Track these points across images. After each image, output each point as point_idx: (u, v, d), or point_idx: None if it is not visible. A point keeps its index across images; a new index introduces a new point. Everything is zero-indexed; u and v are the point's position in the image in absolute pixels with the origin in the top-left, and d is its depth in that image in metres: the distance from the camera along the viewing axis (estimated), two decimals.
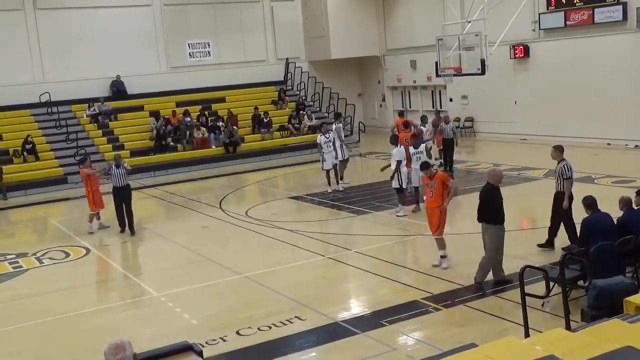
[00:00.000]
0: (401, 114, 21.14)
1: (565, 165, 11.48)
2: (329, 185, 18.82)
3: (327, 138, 18.98)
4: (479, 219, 10.35)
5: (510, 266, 10.55)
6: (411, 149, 15.38)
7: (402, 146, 15.70)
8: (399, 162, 15.24)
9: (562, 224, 11.65)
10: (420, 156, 14.98)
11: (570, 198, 11.39)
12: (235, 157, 26.55)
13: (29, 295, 12.02)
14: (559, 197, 11.54)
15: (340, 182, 19.16)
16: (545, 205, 12.27)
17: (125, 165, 15.90)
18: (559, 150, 11.80)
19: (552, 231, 11.82)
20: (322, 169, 18.96)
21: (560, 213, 11.51)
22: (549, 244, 11.84)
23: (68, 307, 11.01)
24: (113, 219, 16.25)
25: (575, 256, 8.69)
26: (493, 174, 10.55)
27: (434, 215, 11.31)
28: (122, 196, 15.71)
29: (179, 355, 4.94)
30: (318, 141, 19.21)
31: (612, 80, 22.76)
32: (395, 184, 15.43)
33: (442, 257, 11.45)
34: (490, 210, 10.19)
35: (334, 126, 20.22)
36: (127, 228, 15.77)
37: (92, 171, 16.48)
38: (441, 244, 11.47)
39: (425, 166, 11.74)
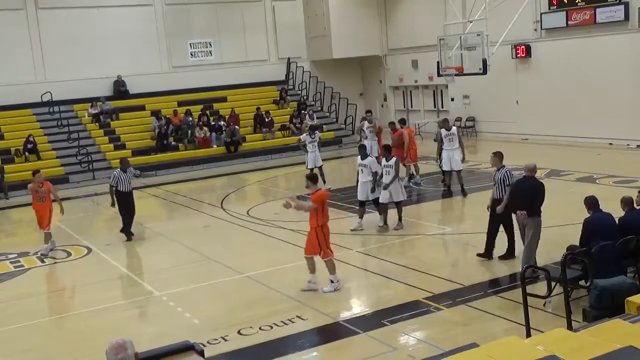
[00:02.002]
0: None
1: (508, 172, 11.33)
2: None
3: (313, 138, 19.11)
4: (521, 209, 10.26)
5: (512, 266, 10.55)
6: (383, 161, 14.15)
7: (374, 156, 14.90)
8: (375, 174, 14.09)
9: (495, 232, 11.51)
10: (389, 170, 13.88)
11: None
12: (236, 156, 26.57)
13: (31, 294, 12.03)
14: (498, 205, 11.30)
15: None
16: (546, 205, 12.21)
17: (133, 171, 15.48)
18: (498, 157, 11.62)
19: (492, 240, 11.55)
20: (307, 168, 19.11)
21: (499, 219, 11.32)
22: (488, 254, 11.57)
23: (69, 306, 11.03)
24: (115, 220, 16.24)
25: (577, 256, 8.68)
26: (530, 167, 10.57)
27: (311, 236, 10.64)
28: (127, 201, 15.28)
29: (181, 355, 4.95)
30: (302, 139, 19.29)
31: (613, 80, 22.74)
32: (370, 196, 14.26)
33: (331, 281, 10.68)
34: (537, 203, 10.26)
35: (365, 124, 20.27)
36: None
37: (36, 188, 14.65)
38: (330, 267, 10.73)
39: (308, 178, 10.89)
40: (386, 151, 14.49)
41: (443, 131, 17.74)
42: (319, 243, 10.58)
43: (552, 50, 24.76)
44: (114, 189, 15.11)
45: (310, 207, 10.59)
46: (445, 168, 17.33)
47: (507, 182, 11.19)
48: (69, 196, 22.20)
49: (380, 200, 14.12)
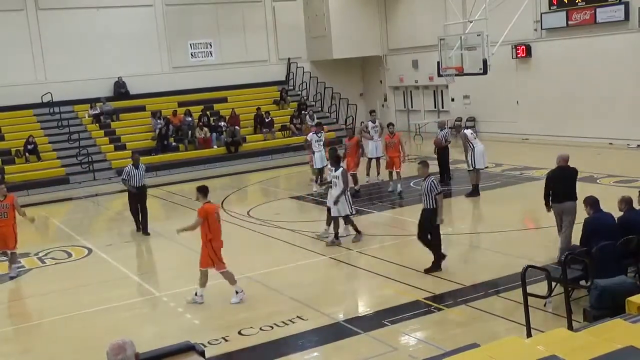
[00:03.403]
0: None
1: (434, 181, 11.20)
2: (316, 182, 18.98)
3: (319, 137, 19.03)
4: (564, 199, 10.76)
5: (513, 266, 10.55)
6: (332, 172, 13.48)
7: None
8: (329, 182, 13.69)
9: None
10: (336, 181, 13.20)
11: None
12: (237, 157, 26.57)
13: (31, 295, 12.04)
14: (430, 214, 11.17)
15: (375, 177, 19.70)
16: None
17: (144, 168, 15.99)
18: (426, 166, 11.55)
19: (440, 252, 11.31)
20: (315, 167, 19.04)
21: (434, 230, 11.21)
22: (437, 266, 11.25)
23: (70, 307, 11.02)
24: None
25: (578, 256, 8.68)
26: (564, 156, 11.08)
27: (203, 249, 10.51)
28: (138, 196, 15.61)
29: (181, 355, 4.95)
30: (309, 138, 19.23)
31: (613, 80, 22.75)
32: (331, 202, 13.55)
33: (236, 292, 10.59)
34: (574, 188, 10.90)
35: (369, 124, 20.26)
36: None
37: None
38: (228, 278, 10.64)
39: (198, 190, 10.70)
40: (333, 161, 13.68)
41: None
42: (209, 256, 10.48)
43: (552, 50, 24.77)
44: (126, 181, 15.63)
45: (197, 223, 10.46)
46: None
47: (437, 191, 11.04)
48: (70, 197, 22.26)
49: (332, 214, 13.44)
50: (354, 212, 13.69)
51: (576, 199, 10.76)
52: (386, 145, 18.24)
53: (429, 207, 11.17)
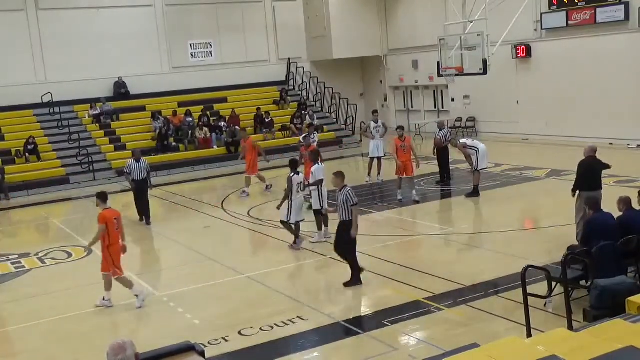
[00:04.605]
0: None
1: (350, 192, 10.87)
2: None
3: (313, 139, 18.97)
4: (587, 188, 11.31)
5: (513, 266, 10.55)
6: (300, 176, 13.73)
7: (322, 163, 14.50)
8: (320, 181, 13.76)
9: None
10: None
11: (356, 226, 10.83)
12: (237, 157, 26.47)
13: (31, 295, 12.03)
14: (347, 227, 10.83)
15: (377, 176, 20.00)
16: (547, 206, 12.27)
17: (146, 164, 16.80)
18: (340, 177, 11.21)
19: (357, 266, 11.00)
20: None
21: (348, 243, 10.89)
22: (357, 280, 10.95)
23: (70, 307, 11.03)
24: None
25: (578, 256, 8.68)
26: (593, 147, 11.92)
27: (104, 254, 10.79)
28: (140, 188, 16.57)
29: (181, 355, 4.95)
30: (302, 140, 19.18)
31: (614, 80, 22.75)
32: (316, 204, 13.85)
33: (136, 295, 10.77)
34: (601, 178, 11.70)
35: (372, 124, 20.19)
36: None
37: None
38: (107, 284, 10.80)
39: (98, 196, 10.80)
40: (290, 165, 13.82)
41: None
42: (109, 262, 10.70)
43: (552, 50, 24.76)
44: (129, 176, 16.58)
45: (100, 230, 10.58)
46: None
47: (352, 202, 10.76)
48: (70, 197, 22.26)
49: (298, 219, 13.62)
50: (290, 221, 13.50)
51: (602, 187, 11.54)
52: (397, 149, 17.07)
53: (345, 219, 10.85)
